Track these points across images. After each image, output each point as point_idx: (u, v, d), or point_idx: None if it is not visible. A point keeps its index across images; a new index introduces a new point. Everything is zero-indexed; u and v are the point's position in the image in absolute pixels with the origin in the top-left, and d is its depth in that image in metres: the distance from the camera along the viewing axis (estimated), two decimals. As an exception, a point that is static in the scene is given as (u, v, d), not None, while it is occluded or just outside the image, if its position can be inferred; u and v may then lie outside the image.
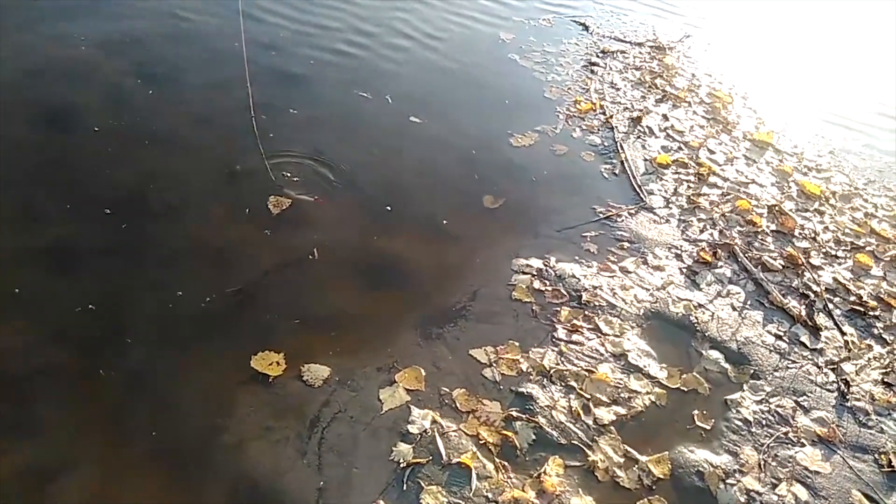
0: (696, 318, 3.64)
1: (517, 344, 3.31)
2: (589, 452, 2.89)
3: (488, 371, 3.16)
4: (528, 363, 3.23)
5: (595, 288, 3.69)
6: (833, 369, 3.49)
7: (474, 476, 2.72)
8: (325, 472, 2.66)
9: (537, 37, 6.25)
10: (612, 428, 3.01)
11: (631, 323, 3.54)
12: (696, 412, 3.16)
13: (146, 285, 3.24)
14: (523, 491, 2.70)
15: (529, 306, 3.54)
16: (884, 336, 3.75)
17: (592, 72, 5.89)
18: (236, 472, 2.62)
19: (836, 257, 4.27)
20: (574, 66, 5.92)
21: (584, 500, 2.73)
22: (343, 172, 4.12)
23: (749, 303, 3.81)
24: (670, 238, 4.17)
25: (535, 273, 3.73)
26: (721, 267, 4.02)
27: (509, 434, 2.90)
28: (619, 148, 4.88)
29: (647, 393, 3.20)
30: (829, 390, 3.39)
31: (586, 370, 3.24)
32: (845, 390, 3.37)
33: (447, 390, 3.04)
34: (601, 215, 4.24)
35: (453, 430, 2.88)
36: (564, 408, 3.05)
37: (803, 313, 3.75)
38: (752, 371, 3.41)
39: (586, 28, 6.62)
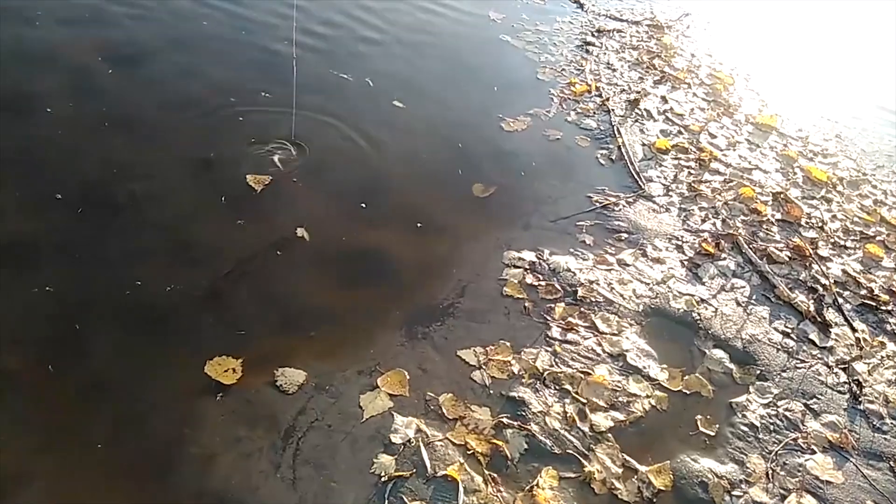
0: (699, 314, 3.43)
1: (508, 344, 3.09)
2: (585, 462, 2.68)
3: (477, 374, 2.95)
4: (520, 365, 3.01)
5: (591, 283, 3.47)
6: (844, 369, 3.29)
7: (461, 490, 2.51)
8: (301, 488, 2.44)
9: (529, 15, 5.98)
10: (609, 435, 2.80)
11: (629, 320, 3.33)
12: (699, 417, 2.95)
13: (107, 282, 2.99)
14: (514, 507, 2.50)
15: (522, 303, 3.32)
16: (896, 332, 3.56)
17: (588, 52, 5.63)
18: (204, 488, 2.39)
19: (845, 248, 4.07)
20: (568, 46, 5.66)
21: (580, 515, 2.53)
22: (320, 159, 3.87)
23: (754, 297, 3.60)
24: (670, 228, 3.95)
25: (527, 267, 3.51)
26: (724, 259, 3.80)
27: (499, 443, 2.68)
28: (616, 132, 4.64)
29: (647, 396, 2.99)
30: (840, 392, 3.19)
31: (582, 372, 3.03)
32: (857, 392, 3.17)
33: (433, 395, 2.82)
34: (597, 204, 4.01)
35: (439, 440, 2.66)
36: (559, 413, 2.84)
37: (812, 308, 3.54)
38: (758, 371, 3.21)
39: (581, 6, 6.35)
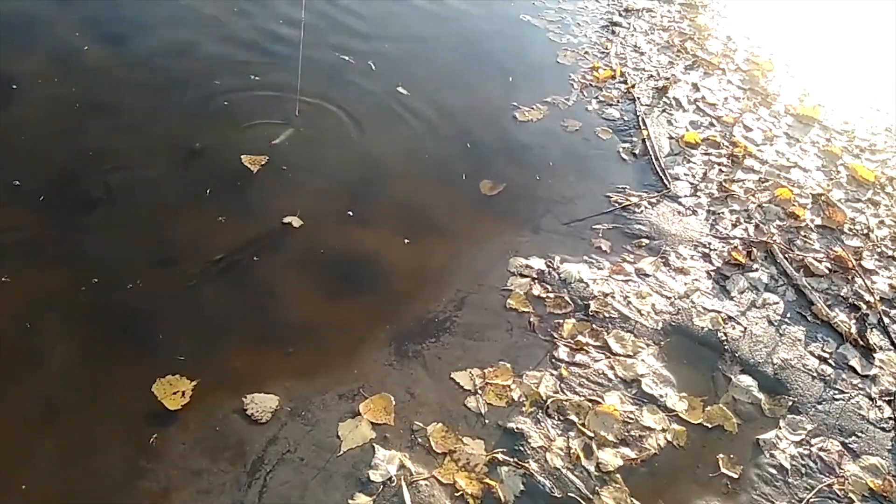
0: (725, 334, 3.07)
1: (509, 366, 2.78)
2: (589, 508, 2.37)
3: (472, 400, 2.64)
4: (521, 390, 2.70)
5: (605, 295, 3.12)
6: (889, 402, 2.91)
7: (446, 538, 2.23)
8: (264, 530, 2.18)
9: (553, -9, 5.53)
10: (617, 476, 2.48)
11: (646, 340, 2.98)
12: (721, 456, 2.61)
13: (74, 281, 2.75)
14: (505, 562, 2.21)
15: (526, 318, 2.99)
16: (949, 358, 3.16)
17: (614, 33, 5.20)
18: (159, 527, 2.16)
19: (894, 259, 3.64)
20: (593, 27, 5.23)
21: (580, 573, 2.23)
22: (310, 150, 3.56)
23: (788, 315, 3.22)
24: (697, 233, 3.57)
25: (535, 276, 3.18)
26: (756, 270, 3.41)
27: (492, 483, 2.38)
28: (641, 123, 4.24)
29: (663, 430, 2.66)
30: (883, 429, 2.82)
31: (590, 400, 2.70)
32: (904, 430, 2.80)
33: (420, 425, 2.53)
34: (617, 205, 3.64)
35: (424, 479, 2.37)
36: (561, 449, 2.53)
37: (853, 330, 3.16)
38: (790, 403, 2.85)
39: (609, -19, 5.87)
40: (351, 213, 3.27)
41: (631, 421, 2.66)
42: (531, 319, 2.99)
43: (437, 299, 3.01)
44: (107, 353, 2.56)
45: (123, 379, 2.48)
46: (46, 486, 2.17)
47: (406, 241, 3.21)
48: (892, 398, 2.92)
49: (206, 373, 2.53)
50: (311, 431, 2.45)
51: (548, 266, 3.23)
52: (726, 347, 3.02)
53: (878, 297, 3.35)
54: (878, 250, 3.66)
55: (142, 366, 2.52)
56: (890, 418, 2.85)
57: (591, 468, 2.49)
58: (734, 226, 3.65)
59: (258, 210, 3.20)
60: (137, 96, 3.64)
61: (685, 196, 3.79)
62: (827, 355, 3.07)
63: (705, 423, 2.71)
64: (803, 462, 2.65)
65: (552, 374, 2.78)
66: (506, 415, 2.61)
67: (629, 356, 2.90)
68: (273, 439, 2.40)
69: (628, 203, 3.65)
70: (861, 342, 3.12)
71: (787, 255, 3.49)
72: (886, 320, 3.26)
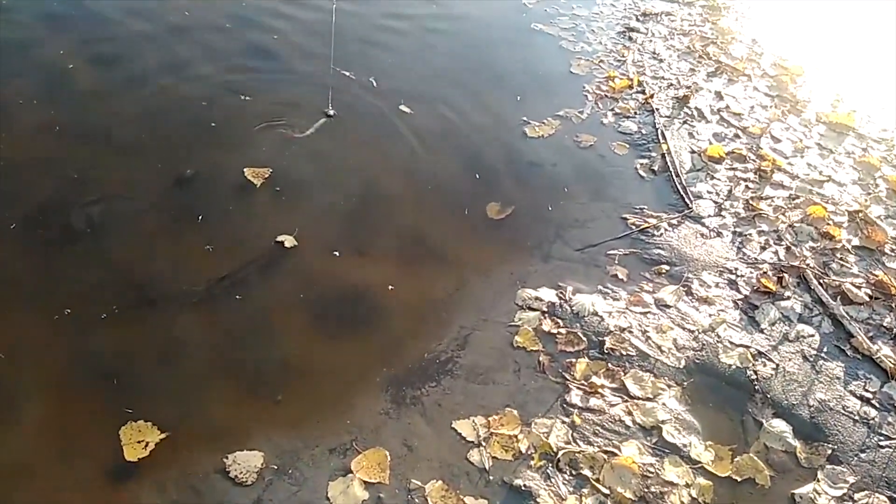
0: (755, 372, 2.80)
1: (516, 412, 2.55)
2: (604, 580, 2.13)
3: (475, 454, 2.41)
4: (530, 440, 2.47)
5: (622, 330, 2.88)
6: (941, 450, 2.62)
7: None
8: None
9: (566, -4, 5.28)
10: (636, 540, 2.24)
11: (668, 380, 2.73)
12: (752, 515, 2.35)
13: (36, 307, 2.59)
14: None
15: (535, 357, 2.76)
16: None
17: (630, 39, 4.93)
18: None
19: (941, 284, 3.33)
20: (608, 33, 4.97)
21: None
22: (302, 174, 3.37)
23: (825, 350, 2.94)
24: (722, 258, 3.30)
25: (545, 309, 2.94)
26: (788, 298, 3.13)
27: (496, 551, 2.16)
28: (661, 137, 3.97)
29: (687, 485, 2.40)
30: (936, 482, 2.53)
31: (606, 451, 2.46)
32: (960, 484, 2.50)
33: (418, 483, 2.31)
34: (634, 228, 3.39)
35: (421, 546, 2.15)
36: (573, 510, 2.29)
37: (899, 366, 2.87)
38: (829, 451, 2.57)
39: (626, -15, 5.60)
40: (337, 253, 3.04)
41: (651, 475, 2.41)
42: (540, 359, 2.75)
43: (438, 337, 2.79)
44: (77, 395, 2.40)
45: (96, 427, 2.33)
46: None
47: (405, 271, 3.00)
48: (945, 445, 2.63)
49: (182, 426, 2.35)
50: (298, 492, 2.25)
51: (559, 298, 2.99)
52: (756, 388, 2.75)
53: (925, 328, 3.04)
54: (924, 273, 3.35)
55: (117, 413, 2.35)
56: (943, 469, 2.56)
57: (607, 531, 2.25)
58: (763, 249, 3.36)
59: (247, 238, 3.03)
60: (122, 120, 3.49)
61: (709, 216, 3.52)
62: (870, 395, 2.78)
63: (734, 476, 2.45)
64: (846, 522, 2.38)
65: (564, 422, 2.54)
66: (512, 470, 2.38)
67: (649, 399, 2.65)
68: (257, 501, 2.20)
69: (646, 225, 3.40)
70: (907, 380, 2.83)
71: (822, 281, 3.20)
72: (935, 354, 2.96)
